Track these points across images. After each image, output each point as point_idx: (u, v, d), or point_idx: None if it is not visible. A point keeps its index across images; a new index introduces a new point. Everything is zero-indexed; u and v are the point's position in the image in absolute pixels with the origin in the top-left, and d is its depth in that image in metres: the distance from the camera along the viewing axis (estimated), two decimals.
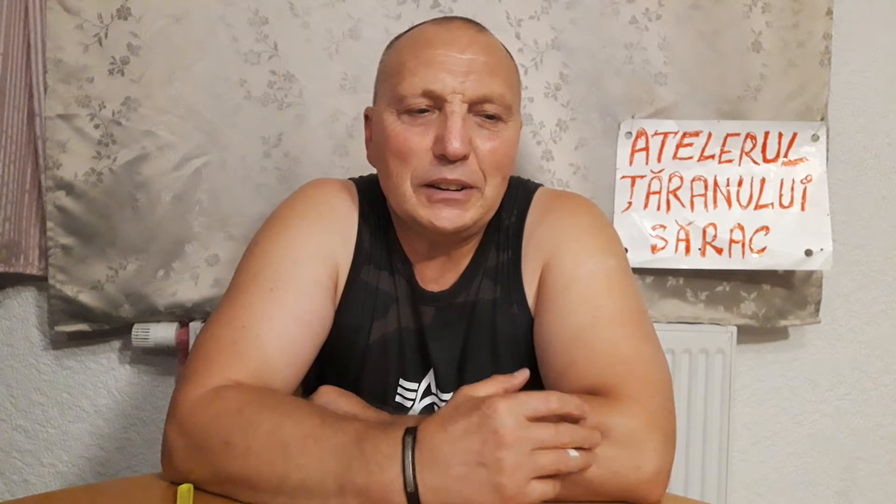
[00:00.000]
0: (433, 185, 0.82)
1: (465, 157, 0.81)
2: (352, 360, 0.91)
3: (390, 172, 0.85)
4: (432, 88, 0.81)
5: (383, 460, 0.63)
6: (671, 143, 1.40)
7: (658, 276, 1.43)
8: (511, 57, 0.90)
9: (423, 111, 0.82)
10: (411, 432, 0.64)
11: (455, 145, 0.79)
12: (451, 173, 0.81)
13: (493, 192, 0.85)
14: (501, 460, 0.61)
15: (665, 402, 0.77)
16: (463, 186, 0.82)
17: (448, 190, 0.82)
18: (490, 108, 0.82)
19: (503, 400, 0.63)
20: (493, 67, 0.83)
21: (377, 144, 0.88)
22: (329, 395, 0.82)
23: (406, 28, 0.92)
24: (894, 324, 1.54)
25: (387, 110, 0.85)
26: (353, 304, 0.90)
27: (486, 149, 0.83)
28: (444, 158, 0.80)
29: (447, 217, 0.82)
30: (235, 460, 0.69)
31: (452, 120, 0.80)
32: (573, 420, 0.65)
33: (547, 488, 0.63)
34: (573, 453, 0.64)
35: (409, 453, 0.63)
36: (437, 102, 0.82)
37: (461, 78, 0.81)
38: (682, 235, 1.40)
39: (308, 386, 0.89)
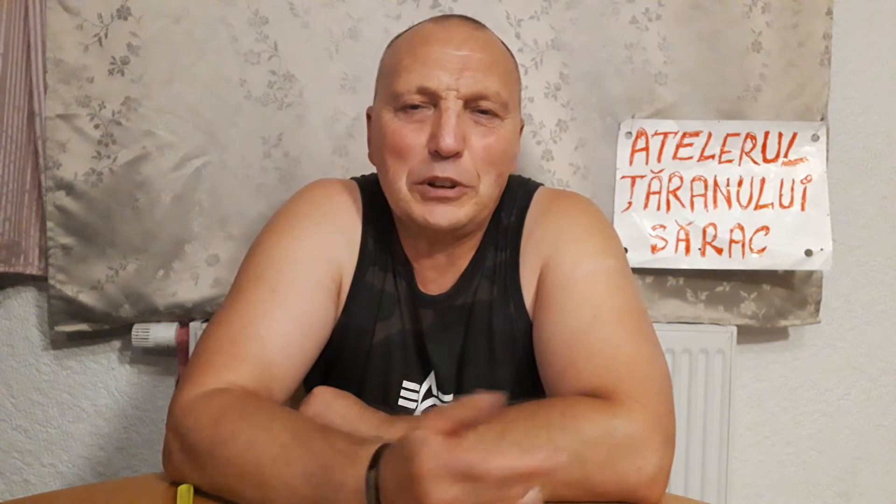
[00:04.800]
0: (427, 183, 0.82)
1: (458, 154, 0.81)
2: (356, 361, 0.91)
3: (388, 170, 0.85)
4: (427, 85, 0.81)
5: (350, 496, 0.60)
6: (671, 143, 1.40)
7: (658, 276, 1.43)
8: (511, 54, 0.90)
9: (418, 107, 0.82)
10: (375, 465, 0.59)
11: (448, 141, 0.79)
12: (443, 171, 0.81)
13: (487, 189, 0.84)
14: None
15: (665, 403, 0.76)
16: (456, 184, 0.82)
17: (442, 188, 0.82)
18: (485, 105, 0.83)
19: (430, 468, 0.53)
20: (490, 64, 0.83)
21: (376, 143, 0.89)
22: (325, 396, 0.82)
23: (406, 28, 0.92)
24: (894, 324, 1.54)
25: (384, 108, 0.85)
26: (358, 305, 0.90)
27: (481, 145, 0.83)
28: (437, 155, 0.81)
29: (441, 214, 0.82)
30: (218, 470, 0.69)
31: (447, 116, 0.80)
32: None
33: None
34: (533, 493, 0.55)
35: (373, 493, 0.59)
36: (432, 99, 0.82)
37: (456, 75, 0.81)
38: (682, 235, 1.40)
39: (312, 387, 0.89)
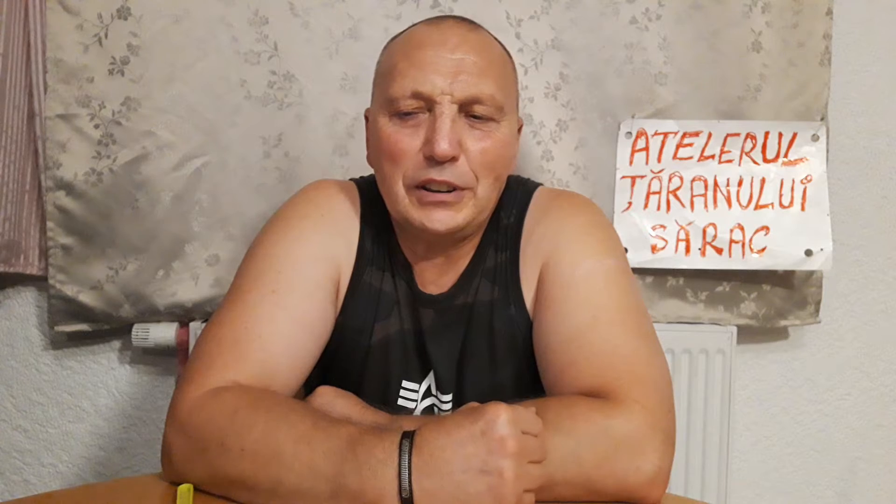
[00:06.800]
0: (424, 187, 0.82)
1: (454, 159, 0.81)
2: (354, 361, 0.91)
3: (384, 174, 0.85)
4: (421, 90, 0.81)
5: (377, 465, 0.62)
6: (671, 143, 1.40)
7: (658, 276, 1.43)
8: (507, 54, 0.90)
9: (413, 113, 0.82)
10: (408, 436, 0.63)
11: (443, 146, 0.79)
12: (440, 174, 0.81)
13: (485, 192, 0.84)
14: (504, 469, 0.61)
15: (664, 402, 0.77)
16: (453, 188, 0.82)
17: (439, 192, 0.82)
18: (480, 109, 0.82)
19: (507, 409, 0.63)
20: (484, 67, 0.83)
21: (372, 146, 0.89)
22: (327, 396, 0.82)
23: (405, 28, 0.92)
24: (894, 324, 1.54)
25: (380, 112, 0.85)
26: (356, 305, 0.90)
27: (477, 149, 0.82)
28: (432, 160, 0.80)
29: (439, 219, 0.82)
30: (231, 462, 0.68)
31: (441, 121, 0.80)
32: None
33: (532, 499, 0.64)
34: None
35: (406, 458, 0.62)
36: (427, 104, 0.82)
37: (450, 79, 0.81)
38: (682, 235, 1.40)
39: (311, 388, 0.89)
